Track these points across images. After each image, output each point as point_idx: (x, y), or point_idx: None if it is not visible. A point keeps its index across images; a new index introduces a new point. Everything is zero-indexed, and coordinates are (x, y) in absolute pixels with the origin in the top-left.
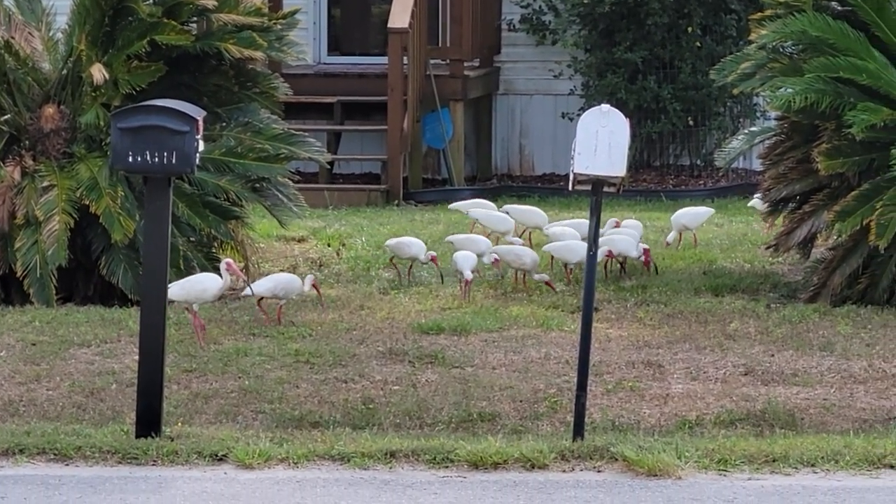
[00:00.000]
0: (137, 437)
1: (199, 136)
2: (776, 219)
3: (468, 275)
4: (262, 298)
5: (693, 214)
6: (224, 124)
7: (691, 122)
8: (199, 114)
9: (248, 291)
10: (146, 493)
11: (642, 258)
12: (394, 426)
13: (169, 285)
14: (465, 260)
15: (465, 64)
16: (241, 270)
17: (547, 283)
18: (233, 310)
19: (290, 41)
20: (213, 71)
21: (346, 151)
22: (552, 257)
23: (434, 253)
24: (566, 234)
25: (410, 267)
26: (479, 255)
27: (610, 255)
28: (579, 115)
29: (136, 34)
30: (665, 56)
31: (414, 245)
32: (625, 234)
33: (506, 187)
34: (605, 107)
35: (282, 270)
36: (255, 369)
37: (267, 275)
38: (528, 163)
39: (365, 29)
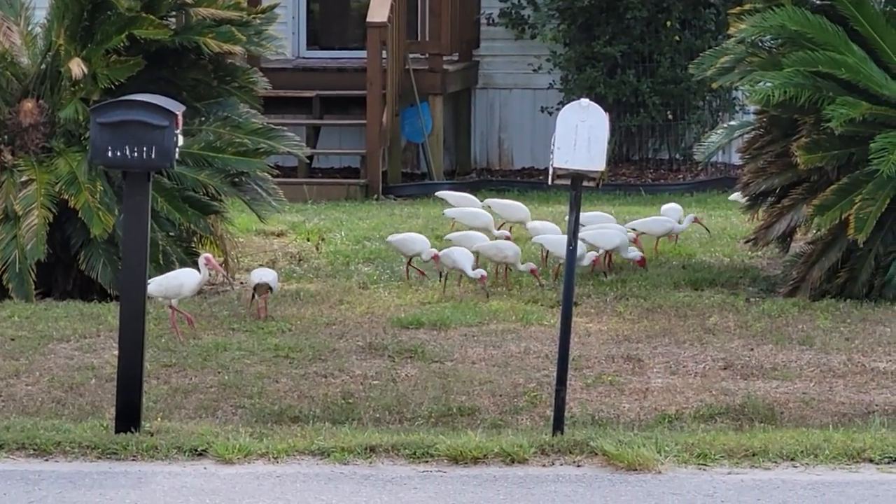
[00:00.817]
0: (117, 432)
1: (178, 131)
2: (755, 213)
3: (477, 273)
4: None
5: (677, 209)
6: (203, 119)
7: (670, 117)
8: (178, 108)
9: (255, 277)
10: (126, 488)
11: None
12: (373, 421)
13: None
14: (466, 258)
15: (444, 58)
16: (221, 265)
17: (532, 272)
18: (212, 304)
19: (269, 35)
20: (191, 65)
21: (325, 146)
22: (545, 251)
23: (436, 251)
24: (546, 227)
25: (409, 262)
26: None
27: (596, 261)
28: (558, 110)
29: (115, 28)
30: (644, 50)
31: (418, 241)
32: (614, 228)
33: (485, 181)
34: (585, 101)
35: (261, 265)
36: (235, 364)
37: (249, 270)
38: (508, 157)
39: (344, 23)
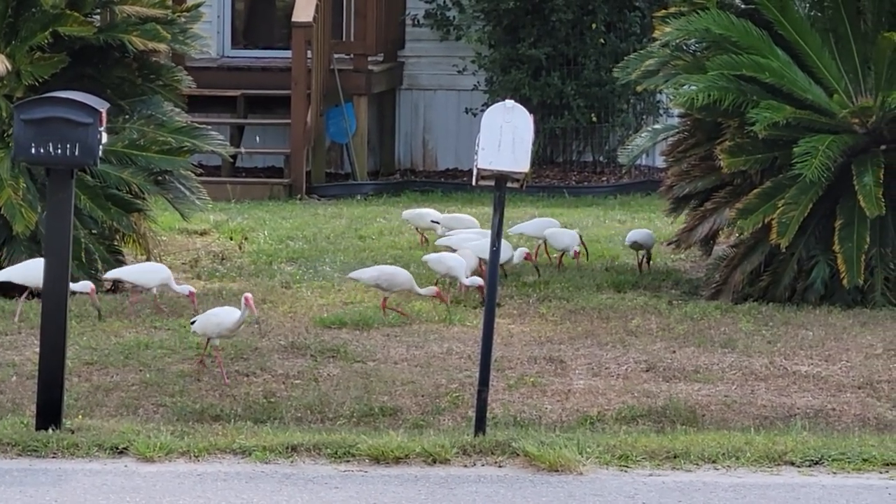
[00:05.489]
0: (38, 429)
1: (102, 128)
2: (678, 215)
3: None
4: (386, 298)
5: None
6: (127, 117)
7: (595, 119)
8: (102, 106)
9: (355, 274)
10: (46, 485)
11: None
12: (295, 420)
13: (192, 321)
14: (460, 265)
15: (369, 58)
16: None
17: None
18: (134, 303)
19: (193, 34)
20: (116, 63)
21: (250, 145)
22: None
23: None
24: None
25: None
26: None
27: (528, 257)
28: (483, 111)
29: (39, 25)
30: (569, 52)
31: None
32: (563, 229)
33: (409, 182)
34: (509, 102)
35: (184, 263)
36: (157, 362)
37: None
38: (432, 158)
39: (269, 22)
